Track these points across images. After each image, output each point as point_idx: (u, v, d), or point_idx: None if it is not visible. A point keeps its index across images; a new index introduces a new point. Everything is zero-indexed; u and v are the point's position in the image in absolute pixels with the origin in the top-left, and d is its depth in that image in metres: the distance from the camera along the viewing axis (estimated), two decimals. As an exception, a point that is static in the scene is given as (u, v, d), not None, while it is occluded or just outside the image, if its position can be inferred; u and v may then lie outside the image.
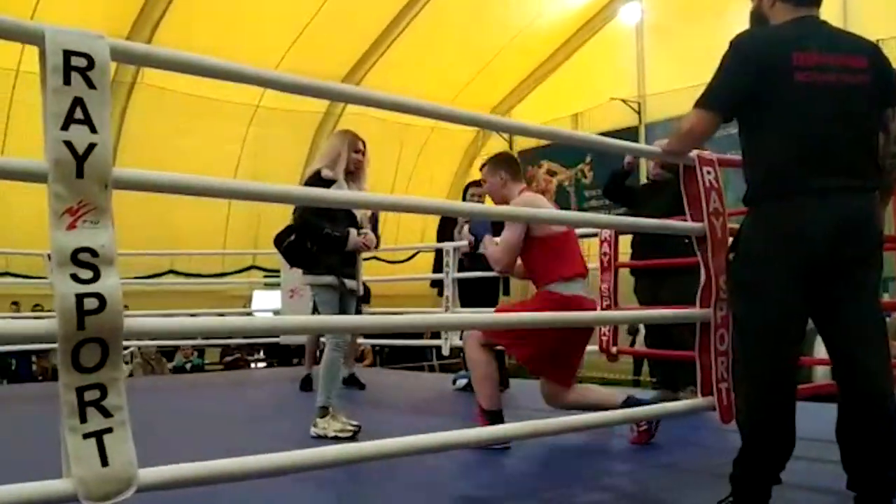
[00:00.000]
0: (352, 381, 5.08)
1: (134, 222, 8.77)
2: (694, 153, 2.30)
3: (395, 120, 11.19)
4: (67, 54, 1.29)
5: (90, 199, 1.30)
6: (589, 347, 3.25)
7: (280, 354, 9.72)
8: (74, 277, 1.26)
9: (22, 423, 3.84)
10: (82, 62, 1.30)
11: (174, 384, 6.62)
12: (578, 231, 3.61)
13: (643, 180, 6.13)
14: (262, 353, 10.70)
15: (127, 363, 8.35)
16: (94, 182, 1.30)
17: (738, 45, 1.94)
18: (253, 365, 10.43)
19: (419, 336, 7.59)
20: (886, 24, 7.65)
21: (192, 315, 6.02)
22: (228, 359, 10.21)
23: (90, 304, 1.26)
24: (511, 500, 2.31)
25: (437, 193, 12.93)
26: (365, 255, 3.79)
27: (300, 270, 3.62)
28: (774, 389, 1.86)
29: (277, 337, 6.64)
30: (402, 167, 12.70)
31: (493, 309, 4.69)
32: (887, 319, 1.91)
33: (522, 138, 13.75)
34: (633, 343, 7.95)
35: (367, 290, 5.07)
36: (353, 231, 3.39)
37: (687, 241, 2.67)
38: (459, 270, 5.22)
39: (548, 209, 3.04)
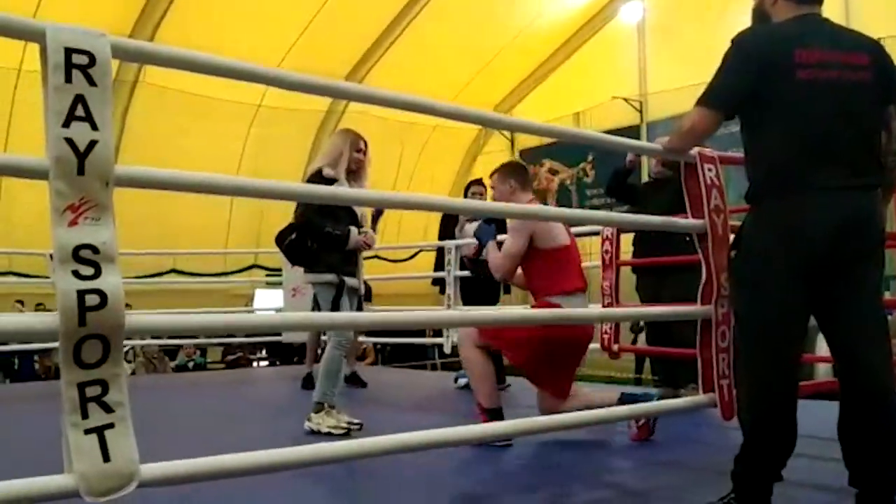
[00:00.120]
0: (353, 380, 5.09)
1: (136, 222, 8.79)
2: (695, 150, 2.30)
3: (396, 119, 11.20)
4: (69, 52, 1.29)
5: (91, 197, 1.30)
6: (590, 345, 3.25)
7: (282, 353, 9.73)
8: (76, 274, 1.27)
9: (23, 421, 3.85)
10: (83, 60, 1.30)
11: (176, 383, 6.63)
12: (580, 229, 3.62)
13: (645, 179, 6.14)
14: (264, 351, 10.71)
15: (129, 362, 8.37)
16: (96, 179, 1.30)
17: (740, 42, 1.94)
18: (255, 364, 10.44)
19: (421, 334, 7.59)
20: (887, 23, 7.64)
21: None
22: (231, 358, 10.23)
23: (91, 300, 1.26)
24: (512, 497, 2.31)
25: (439, 192, 12.92)
26: (366, 253, 3.79)
27: (302, 269, 3.63)
28: (776, 386, 1.86)
29: (279, 335, 6.65)
30: (403, 166, 12.71)
31: (494, 308, 4.70)
32: (889, 317, 1.91)
33: (524, 137, 13.77)
34: (635, 341, 7.95)
35: (367, 288, 5.07)
36: (354, 229, 3.39)
37: (689, 238, 2.68)
38: (461, 270, 5.22)
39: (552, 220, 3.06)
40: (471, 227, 5.11)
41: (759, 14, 2.03)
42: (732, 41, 1.95)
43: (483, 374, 3.01)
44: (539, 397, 3.07)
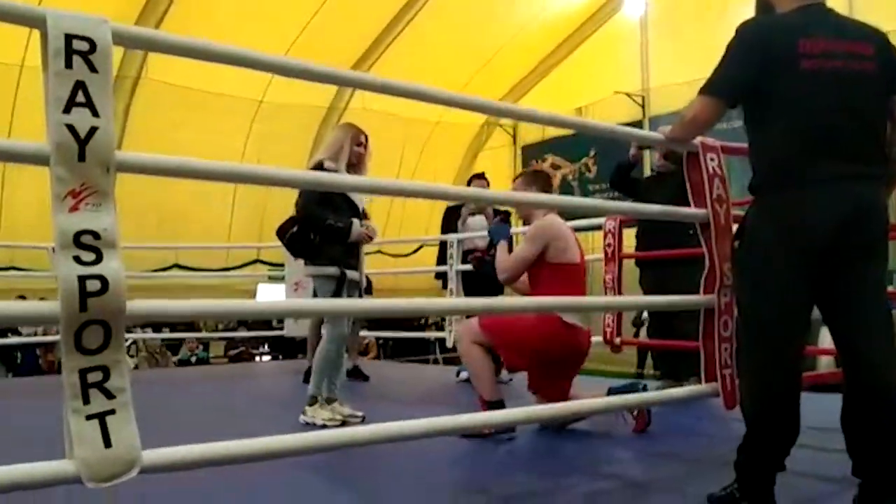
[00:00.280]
0: (356, 374, 5.10)
1: (138, 217, 8.82)
2: (697, 140, 2.30)
3: (398, 115, 11.20)
4: (69, 38, 1.29)
5: (92, 183, 1.30)
6: (592, 339, 3.25)
7: (284, 348, 9.73)
8: (77, 260, 1.27)
9: (26, 412, 3.86)
10: (84, 46, 1.30)
11: (179, 376, 6.64)
12: (583, 223, 3.61)
13: (647, 173, 6.13)
14: (266, 346, 10.73)
15: (132, 356, 8.39)
16: (97, 165, 1.30)
17: (743, 32, 1.93)
18: (258, 358, 10.47)
19: (423, 329, 7.60)
20: (890, 16, 7.60)
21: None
22: (233, 352, 10.26)
23: (92, 286, 1.26)
24: (512, 488, 2.31)
25: (441, 188, 12.89)
26: (368, 248, 3.80)
27: (303, 262, 3.63)
28: (779, 377, 1.85)
29: (282, 330, 6.65)
30: (405, 162, 12.69)
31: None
32: (893, 311, 1.90)
33: (527, 133, 13.75)
34: (636, 335, 7.95)
35: (368, 282, 5.07)
36: (356, 221, 3.39)
37: (692, 232, 2.68)
38: (463, 264, 5.21)
39: (567, 236, 3.07)
40: (473, 220, 5.13)
41: (763, 4, 2.02)
42: (736, 31, 1.94)
43: (482, 368, 3.03)
44: (535, 401, 3.08)
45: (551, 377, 3.04)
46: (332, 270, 3.36)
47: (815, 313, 1.91)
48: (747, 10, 2.10)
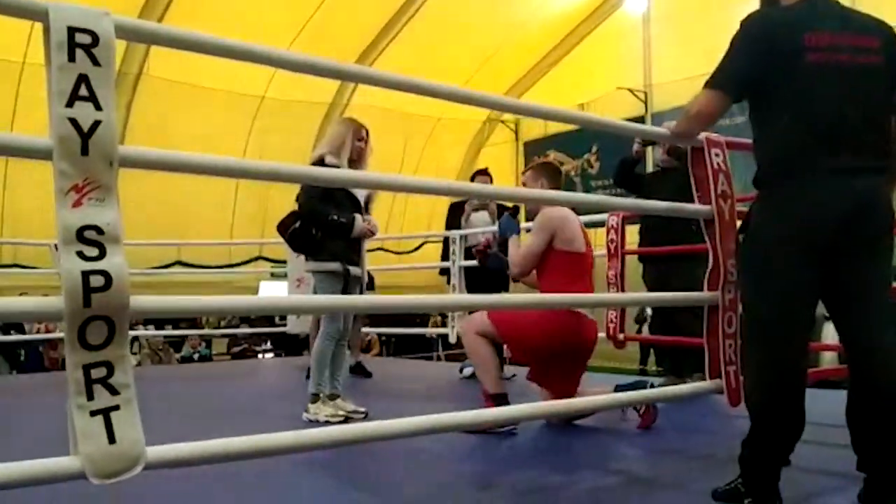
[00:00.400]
0: (358, 370, 5.10)
1: (141, 213, 8.81)
2: (702, 135, 2.29)
3: (401, 111, 11.18)
4: (72, 31, 1.28)
5: (96, 177, 1.29)
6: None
7: (287, 345, 9.75)
8: (80, 255, 1.26)
9: (31, 409, 3.87)
10: (87, 39, 1.29)
11: (182, 373, 6.65)
12: (585, 219, 3.59)
13: (650, 169, 6.12)
14: (269, 343, 10.74)
15: (135, 353, 8.41)
16: (100, 159, 1.29)
17: (748, 25, 1.92)
18: (260, 355, 10.48)
19: (425, 325, 7.60)
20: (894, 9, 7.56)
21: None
22: (236, 349, 10.27)
23: (96, 281, 1.26)
24: (518, 483, 2.30)
25: (443, 184, 12.88)
26: (371, 245, 3.79)
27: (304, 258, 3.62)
28: (784, 372, 1.84)
29: (284, 327, 6.65)
30: (407, 158, 12.69)
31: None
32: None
33: (529, 129, 13.73)
34: (638, 332, 7.95)
35: (370, 278, 5.06)
36: (358, 217, 3.38)
37: (695, 227, 2.66)
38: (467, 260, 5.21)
39: (573, 226, 3.07)
40: (476, 217, 5.13)
41: (768, -4, 2.01)
42: (741, 24, 1.93)
43: (487, 360, 3.04)
44: (542, 397, 3.08)
45: (557, 371, 3.02)
46: (335, 266, 3.35)
47: (819, 309, 1.90)
48: (750, 4, 2.09)
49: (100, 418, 1.28)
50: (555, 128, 12.87)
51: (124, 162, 1.35)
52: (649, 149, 4.80)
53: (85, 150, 1.27)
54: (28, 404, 4.15)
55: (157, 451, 1.34)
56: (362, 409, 3.33)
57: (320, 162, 3.33)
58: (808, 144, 1.81)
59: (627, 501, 2.10)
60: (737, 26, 1.94)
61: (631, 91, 11.64)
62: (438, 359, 10.01)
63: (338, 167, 3.33)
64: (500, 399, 2.94)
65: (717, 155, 2.31)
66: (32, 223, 8.20)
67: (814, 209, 1.78)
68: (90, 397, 1.27)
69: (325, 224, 3.32)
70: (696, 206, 2.36)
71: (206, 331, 10.10)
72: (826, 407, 2.05)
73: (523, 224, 3.84)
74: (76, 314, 1.25)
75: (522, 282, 3.29)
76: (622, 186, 4.58)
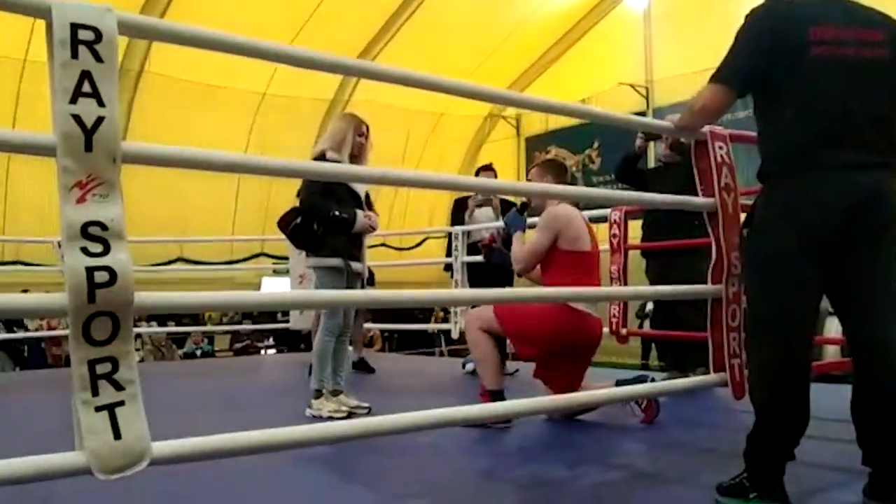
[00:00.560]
0: (361, 366, 5.10)
1: (143, 211, 8.82)
2: (706, 128, 2.28)
3: (402, 107, 11.18)
4: (74, 27, 1.28)
5: (99, 173, 1.29)
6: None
7: (290, 341, 9.77)
8: (84, 251, 1.26)
9: (34, 405, 3.88)
10: (89, 35, 1.29)
11: (185, 370, 6.66)
12: (587, 214, 3.59)
13: (651, 165, 6.11)
14: (271, 339, 10.76)
15: (137, 350, 8.41)
16: (103, 155, 1.29)
17: (753, 19, 1.91)
18: (263, 351, 10.50)
19: (428, 321, 7.60)
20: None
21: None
22: (238, 345, 10.29)
23: (100, 277, 1.25)
24: (520, 478, 2.31)
25: (445, 180, 12.87)
26: (372, 241, 3.79)
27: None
28: (788, 369, 1.84)
29: (287, 323, 6.65)
30: (409, 154, 12.68)
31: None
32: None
33: (530, 125, 13.72)
34: (640, 327, 7.95)
35: (371, 273, 5.07)
36: (360, 212, 3.38)
37: (697, 223, 2.66)
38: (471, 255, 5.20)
39: (578, 224, 3.07)
40: (479, 212, 5.12)
41: (774, -11, 2.00)
42: (745, 17, 1.92)
43: (488, 355, 3.04)
44: (546, 393, 3.08)
45: (562, 367, 3.02)
46: (336, 262, 3.35)
47: (822, 303, 1.90)
48: (750, 1, 2.08)
49: (105, 414, 1.28)
50: (556, 123, 12.86)
51: (127, 158, 1.34)
52: (651, 144, 4.80)
53: (88, 147, 1.27)
54: (32, 401, 4.16)
55: (162, 447, 1.34)
56: (366, 405, 3.34)
57: (321, 157, 3.33)
58: (810, 141, 1.81)
59: (631, 496, 2.10)
60: (739, 20, 1.93)
61: (632, 86, 11.63)
62: (441, 354, 10.02)
63: (339, 163, 3.33)
64: (497, 395, 2.94)
65: (720, 148, 2.30)
66: (34, 221, 8.21)
67: (816, 207, 1.78)
68: (95, 393, 1.27)
69: (327, 220, 3.32)
70: (699, 199, 2.36)
71: (208, 327, 10.12)
72: (831, 402, 2.05)
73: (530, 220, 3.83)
74: (81, 310, 1.25)
75: (527, 277, 3.30)
76: (624, 181, 4.57)
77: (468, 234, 5.20)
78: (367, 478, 2.32)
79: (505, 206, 4.67)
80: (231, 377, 5.50)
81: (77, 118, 1.27)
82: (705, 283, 2.36)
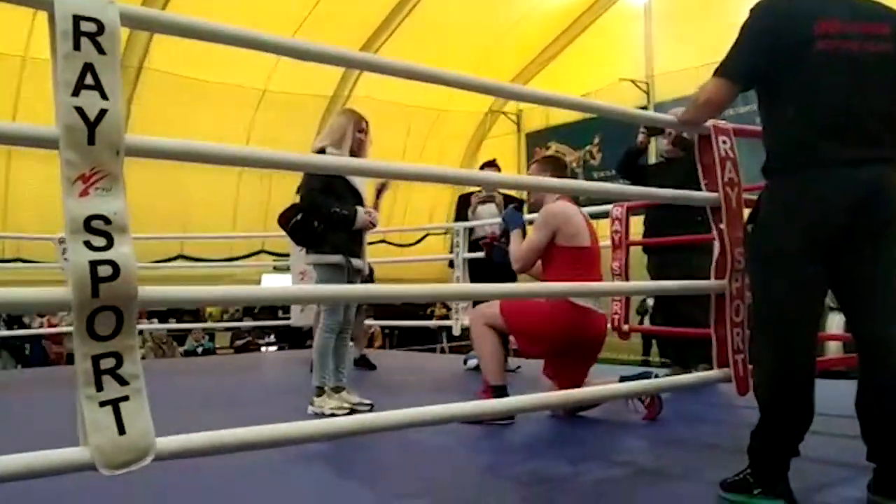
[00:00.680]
0: (363, 363, 5.10)
1: (143, 208, 8.80)
2: (710, 122, 2.27)
3: (402, 103, 11.15)
4: (77, 19, 1.27)
5: (102, 166, 1.28)
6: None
7: (291, 338, 9.76)
8: (88, 245, 1.25)
9: (37, 402, 3.87)
10: (92, 27, 1.28)
11: (186, 367, 6.65)
12: (589, 210, 3.59)
13: (653, 160, 6.10)
14: (272, 336, 10.76)
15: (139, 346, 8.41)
16: (106, 148, 1.28)
17: (758, 12, 1.90)
18: (264, 349, 10.50)
19: (429, 317, 7.59)
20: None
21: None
22: (239, 342, 10.29)
23: (104, 271, 1.25)
24: (524, 474, 2.30)
25: (445, 177, 12.86)
26: (372, 237, 3.78)
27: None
28: (793, 362, 1.84)
29: (288, 320, 6.64)
30: (409, 151, 12.67)
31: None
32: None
33: (531, 120, 13.69)
34: (640, 323, 7.94)
35: (371, 269, 5.06)
36: (360, 209, 3.37)
37: (700, 218, 2.65)
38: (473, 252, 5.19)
39: (577, 221, 3.07)
40: (483, 209, 5.11)
41: (777, -18, 1.99)
42: (750, 11, 1.92)
43: (492, 351, 3.05)
44: (550, 389, 3.07)
45: (567, 364, 3.03)
46: (337, 258, 3.34)
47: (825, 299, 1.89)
48: (752, -4, 2.07)
49: (109, 409, 1.27)
50: (557, 119, 12.84)
51: (131, 151, 1.34)
52: (653, 139, 4.78)
53: (91, 140, 1.26)
54: (34, 399, 4.16)
55: (166, 442, 1.34)
56: (367, 402, 3.34)
57: (321, 153, 3.32)
58: (812, 137, 1.80)
59: (633, 493, 2.09)
60: (740, 14, 1.93)
61: (633, 82, 11.61)
62: (442, 351, 10.02)
63: (340, 159, 3.32)
64: (500, 391, 2.94)
65: (724, 142, 2.29)
66: (35, 218, 8.20)
67: (817, 205, 1.77)
68: (99, 388, 1.26)
69: (328, 216, 3.31)
70: (703, 194, 2.35)
71: (209, 324, 10.12)
72: (835, 397, 2.05)
73: (526, 216, 3.83)
74: (84, 304, 1.24)
75: (528, 274, 3.29)
76: (625, 177, 4.56)
77: (471, 230, 5.19)
78: (369, 475, 2.32)
79: (508, 203, 4.66)
80: (232, 374, 5.49)
81: (80, 110, 1.26)
82: (702, 278, 2.36)
